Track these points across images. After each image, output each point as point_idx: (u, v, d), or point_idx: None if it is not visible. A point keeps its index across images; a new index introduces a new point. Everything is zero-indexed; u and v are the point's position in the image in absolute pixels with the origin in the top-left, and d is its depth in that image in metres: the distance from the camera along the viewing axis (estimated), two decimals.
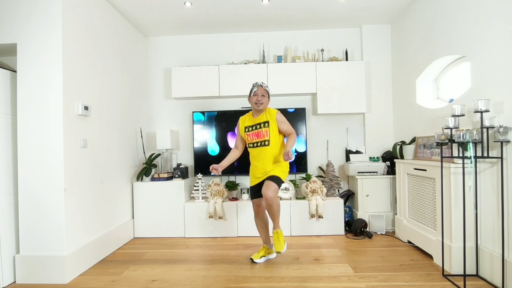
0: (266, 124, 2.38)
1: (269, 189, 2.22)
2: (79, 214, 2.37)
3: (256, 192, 2.45)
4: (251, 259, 2.49)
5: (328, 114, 3.51)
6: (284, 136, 2.46)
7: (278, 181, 2.30)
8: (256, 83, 2.42)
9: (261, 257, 2.49)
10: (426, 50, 2.85)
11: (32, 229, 2.21)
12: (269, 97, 2.45)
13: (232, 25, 3.53)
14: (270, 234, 2.52)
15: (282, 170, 2.39)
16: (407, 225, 2.82)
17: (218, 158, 3.52)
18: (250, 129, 2.44)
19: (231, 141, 3.53)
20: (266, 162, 2.37)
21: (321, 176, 3.50)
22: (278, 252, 2.30)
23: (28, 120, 2.20)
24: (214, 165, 2.36)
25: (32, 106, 2.20)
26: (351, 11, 3.23)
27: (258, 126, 2.41)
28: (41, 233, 2.20)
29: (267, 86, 2.43)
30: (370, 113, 3.58)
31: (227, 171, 3.52)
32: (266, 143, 2.37)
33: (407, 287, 2.00)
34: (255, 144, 2.42)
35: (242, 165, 3.47)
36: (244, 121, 2.50)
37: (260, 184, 2.38)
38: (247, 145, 2.51)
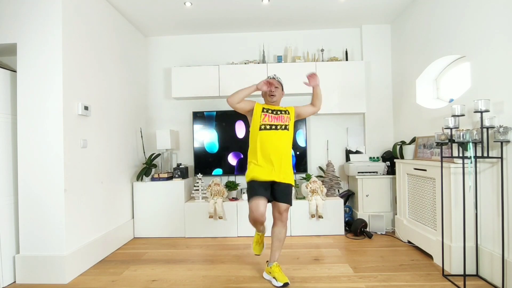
0: (287, 112, 2.17)
1: (287, 212, 2.14)
2: (79, 214, 2.37)
3: (265, 189, 2.07)
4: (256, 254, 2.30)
5: (328, 114, 3.51)
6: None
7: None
8: (268, 76, 2.25)
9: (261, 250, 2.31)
10: (426, 50, 2.85)
11: (32, 229, 2.21)
12: (282, 90, 2.25)
13: (232, 25, 3.53)
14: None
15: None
16: (407, 225, 2.82)
17: (218, 156, 3.53)
18: (270, 111, 2.14)
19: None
20: (281, 154, 2.06)
21: (321, 176, 3.50)
22: (287, 283, 2.03)
23: (28, 120, 2.20)
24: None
25: (32, 106, 2.20)
26: (351, 11, 3.23)
27: (279, 112, 2.15)
28: (41, 233, 2.20)
29: (279, 78, 2.26)
30: (370, 113, 3.58)
31: (227, 171, 3.53)
32: (287, 127, 2.11)
33: (407, 287, 2.00)
34: (272, 127, 2.08)
35: (242, 165, 3.47)
36: (260, 105, 2.19)
37: (268, 182, 2.07)
38: (259, 127, 2.09)
